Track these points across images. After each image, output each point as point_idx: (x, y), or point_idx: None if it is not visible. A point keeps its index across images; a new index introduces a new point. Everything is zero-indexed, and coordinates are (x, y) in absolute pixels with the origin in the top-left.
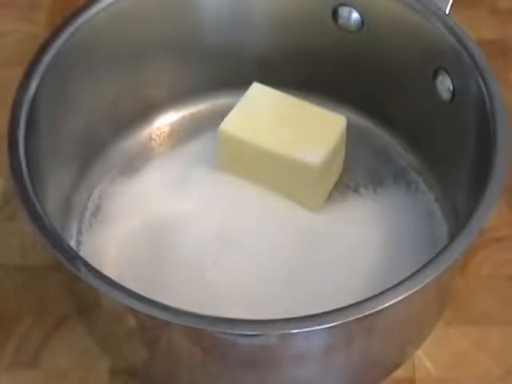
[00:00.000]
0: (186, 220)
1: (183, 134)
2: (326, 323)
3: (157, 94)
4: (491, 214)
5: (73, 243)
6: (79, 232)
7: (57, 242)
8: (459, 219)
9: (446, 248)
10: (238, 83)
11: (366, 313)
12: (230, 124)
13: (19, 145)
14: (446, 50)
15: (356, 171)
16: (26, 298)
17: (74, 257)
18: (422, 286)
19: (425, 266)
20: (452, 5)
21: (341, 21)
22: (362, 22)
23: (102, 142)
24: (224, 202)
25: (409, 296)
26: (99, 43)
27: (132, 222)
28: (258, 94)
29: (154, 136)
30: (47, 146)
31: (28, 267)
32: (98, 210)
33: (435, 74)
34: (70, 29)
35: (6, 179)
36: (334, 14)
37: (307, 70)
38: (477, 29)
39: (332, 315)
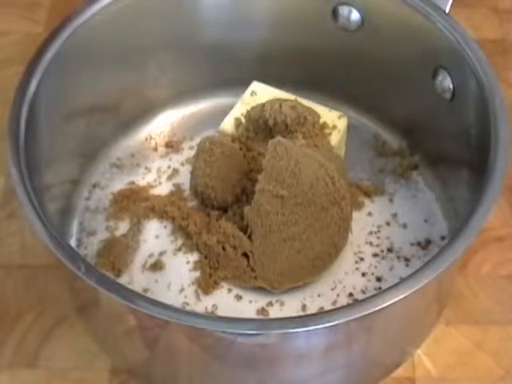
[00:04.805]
0: None
1: (183, 133)
2: (325, 323)
3: (157, 93)
4: (491, 214)
5: (73, 243)
6: (79, 232)
7: (57, 241)
8: (459, 219)
9: (445, 248)
10: (238, 82)
11: (366, 312)
12: (231, 123)
13: (19, 144)
14: (446, 49)
15: (356, 170)
16: (26, 298)
17: (73, 256)
18: (421, 285)
19: (425, 265)
20: (452, 4)
21: (341, 20)
22: (362, 22)
23: (102, 141)
24: None
25: (409, 296)
26: (99, 43)
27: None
28: (258, 92)
29: (153, 135)
30: (47, 145)
31: (28, 267)
32: (97, 209)
33: (435, 73)
34: (70, 28)
35: (6, 178)
36: (334, 13)
37: (307, 69)
38: (477, 28)
39: (332, 315)
